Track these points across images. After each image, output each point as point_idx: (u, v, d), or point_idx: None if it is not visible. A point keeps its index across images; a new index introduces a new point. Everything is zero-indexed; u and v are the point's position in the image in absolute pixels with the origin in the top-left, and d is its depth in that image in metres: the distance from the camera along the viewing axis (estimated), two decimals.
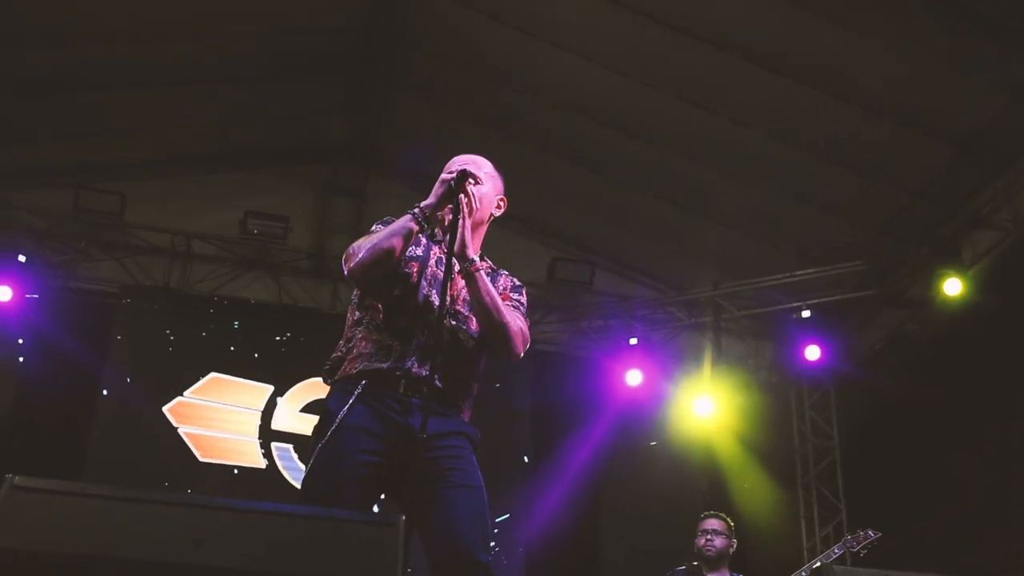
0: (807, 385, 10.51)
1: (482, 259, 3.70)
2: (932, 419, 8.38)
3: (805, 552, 9.67)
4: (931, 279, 8.74)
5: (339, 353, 3.56)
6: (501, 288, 3.71)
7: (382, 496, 3.48)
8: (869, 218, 9.13)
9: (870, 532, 6.63)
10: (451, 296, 3.56)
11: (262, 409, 9.61)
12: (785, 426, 10.46)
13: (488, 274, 3.66)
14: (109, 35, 8.31)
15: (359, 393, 3.37)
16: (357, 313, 3.60)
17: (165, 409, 9.36)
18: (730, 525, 6.73)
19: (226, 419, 9.55)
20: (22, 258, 9.11)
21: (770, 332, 10.65)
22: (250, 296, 10.05)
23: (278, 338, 9.92)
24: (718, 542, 6.58)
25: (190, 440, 9.35)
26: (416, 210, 3.44)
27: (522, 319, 3.62)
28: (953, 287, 8.49)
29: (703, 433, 10.22)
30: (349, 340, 3.56)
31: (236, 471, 9.40)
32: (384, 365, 3.41)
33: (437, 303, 3.30)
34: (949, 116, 7.85)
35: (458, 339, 3.53)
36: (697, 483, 10.31)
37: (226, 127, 10.13)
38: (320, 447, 3.33)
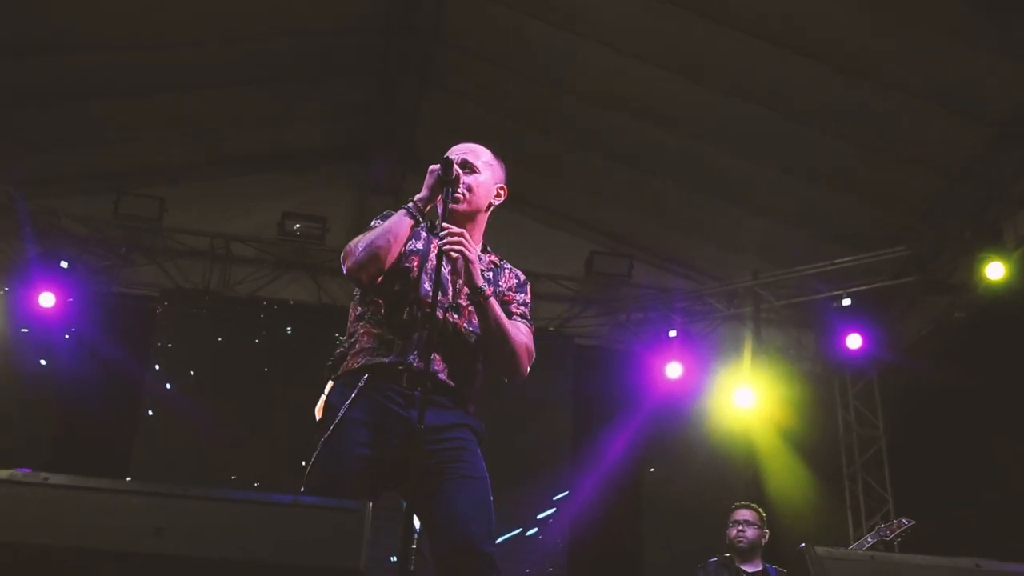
0: (850, 374, 10.36)
1: (484, 250, 3.70)
2: (974, 406, 8.24)
3: (852, 543, 9.57)
4: (973, 264, 8.58)
5: (341, 348, 3.56)
6: (505, 287, 3.69)
7: (384, 489, 3.46)
8: (909, 204, 8.99)
9: (904, 520, 6.52)
10: (453, 290, 3.55)
11: None
12: (828, 416, 10.33)
13: (491, 269, 3.65)
14: (145, 42, 8.40)
15: (361, 387, 3.37)
16: (359, 308, 3.60)
17: None
18: (762, 515, 6.68)
19: None
20: (64, 264, 9.24)
21: (811, 321, 10.49)
22: (289, 297, 10.12)
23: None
24: (750, 532, 6.54)
25: None
26: (410, 204, 3.46)
27: (527, 329, 3.60)
28: (995, 271, 8.34)
29: (744, 425, 10.13)
30: (351, 335, 3.56)
31: None
32: (386, 359, 3.41)
33: (439, 297, 3.29)
34: (989, 97, 7.69)
35: (460, 333, 3.53)
36: (739, 475, 10.21)
37: (262, 129, 10.21)
38: (323, 441, 3.33)
